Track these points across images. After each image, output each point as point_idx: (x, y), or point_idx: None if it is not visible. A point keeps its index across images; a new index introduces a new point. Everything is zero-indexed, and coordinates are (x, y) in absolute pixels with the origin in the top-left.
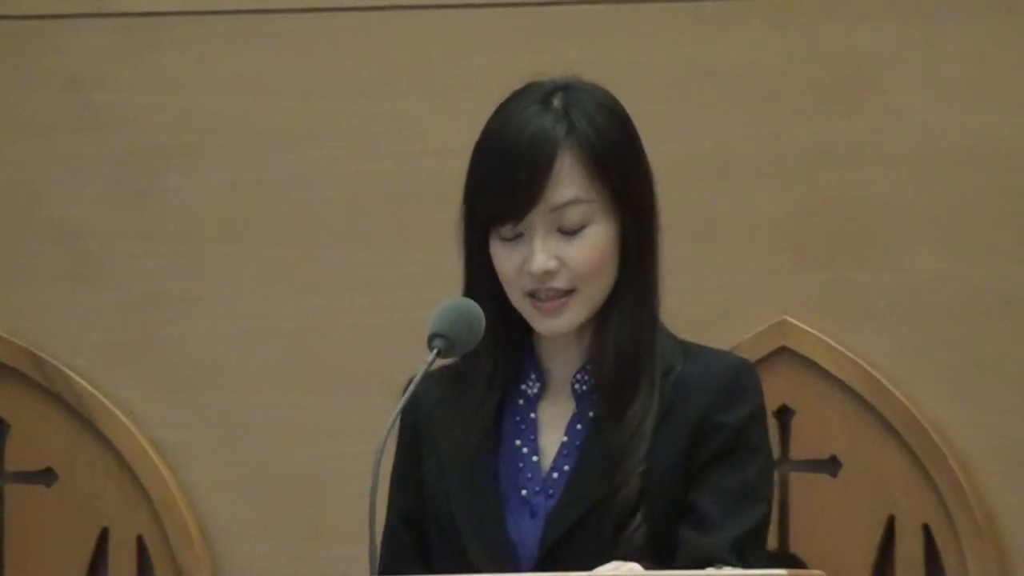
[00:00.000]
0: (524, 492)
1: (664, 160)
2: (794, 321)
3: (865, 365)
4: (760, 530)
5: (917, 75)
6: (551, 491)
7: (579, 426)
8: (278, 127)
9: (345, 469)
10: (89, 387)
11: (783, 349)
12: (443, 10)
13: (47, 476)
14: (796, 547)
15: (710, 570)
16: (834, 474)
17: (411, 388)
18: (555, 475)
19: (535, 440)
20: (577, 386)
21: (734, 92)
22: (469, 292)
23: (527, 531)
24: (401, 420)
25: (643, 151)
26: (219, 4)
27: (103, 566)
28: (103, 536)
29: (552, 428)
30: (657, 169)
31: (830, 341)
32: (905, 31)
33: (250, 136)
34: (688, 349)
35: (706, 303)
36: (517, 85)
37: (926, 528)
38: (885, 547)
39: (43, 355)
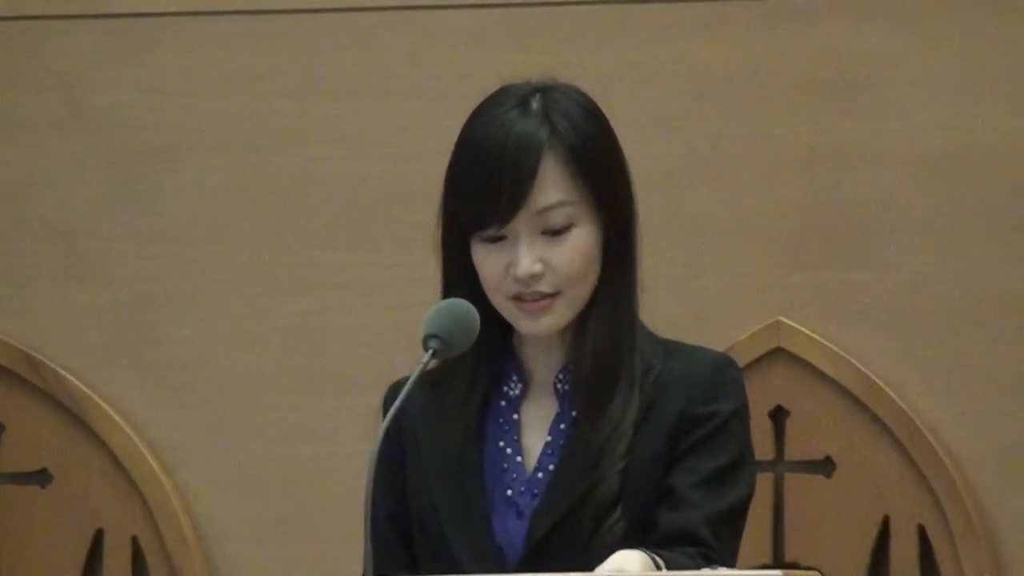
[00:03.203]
0: (509, 492)
1: (658, 160)
2: (789, 322)
3: (860, 366)
4: (736, 511)
5: (911, 76)
6: (536, 491)
7: (562, 426)
8: (272, 128)
9: (339, 470)
10: (84, 387)
11: (778, 350)
12: (438, 11)
13: (41, 477)
14: (791, 548)
15: (706, 570)
16: (828, 475)
17: (406, 389)
18: (540, 475)
19: (518, 441)
20: (559, 386)
21: (729, 93)
22: (448, 295)
23: (513, 531)
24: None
25: (622, 152)
26: (213, 5)
27: (98, 567)
28: (98, 537)
29: (535, 429)
30: (651, 169)
31: (825, 342)
32: (899, 32)
33: (244, 137)
34: (669, 347)
35: (701, 304)
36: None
37: (921, 529)
38: (880, 548)
39: (37, 355)
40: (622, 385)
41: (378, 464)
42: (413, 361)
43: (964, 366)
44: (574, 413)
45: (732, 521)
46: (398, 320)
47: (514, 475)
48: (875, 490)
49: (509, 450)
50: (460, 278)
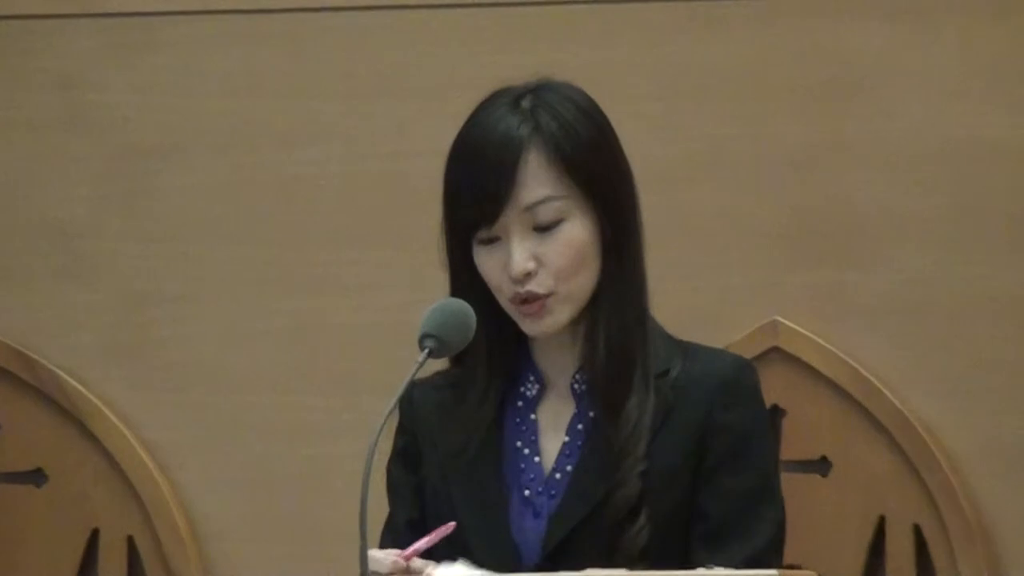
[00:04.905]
0: (527, 493)
1: (654, 160)
2: (785, 321)
3: (856, 365)
4: (777, 539)
5: (907, 75)
6: (553, 491)
7: (580, 426)
8: (269, 127)
9: (336, 469)
10: (79, 387)
11: (774, 349)
12: (433, 10)
13: (37, 477)
14: (787, 547)
15: (701, 570)
16: (825, 474)
17: (402, 389)
18: (557, 475)
19: (536, 441)
20: (576, 386)
21: (724, 92)
22: (456, 298)
23: (530, 531)
24: (399, 426)
25: (616, 145)
26: (210, 4)
27: (93, 567)
28: (93, 537)
29: (553, 429)
30: (647, 170)
31: (821, 341)
32: (895, 31)
33: (241, 136)
34: (687, 349)
35: (697, 304)
36: (508, 85)
37: (917, 528)
38: (876, 547)
39: (33, 355)
40: (637, 382)
41: (395, 468)
42: (411, 361)
43: (960, 366)
44: (591, 413)
45: (775, 549)
46: (397, 320)
47: (531, 475)
48: (871, 490)
49: (527, 450)
50: (468, 281)
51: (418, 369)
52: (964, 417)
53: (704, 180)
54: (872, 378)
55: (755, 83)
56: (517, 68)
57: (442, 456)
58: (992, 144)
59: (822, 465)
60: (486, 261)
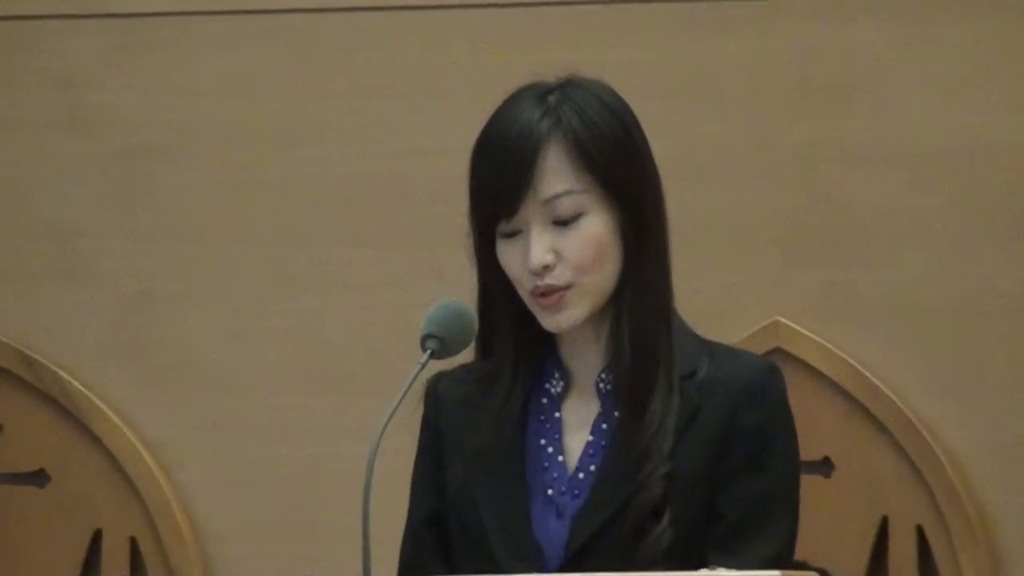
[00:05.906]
0: (550, 492)
1: (657, 160)
2: (787, 322)
3: (858, 366)
4: (789, 545)
5: (909, 75)
6: (577, 491)
7: (604, 426)
8: (270, 127)
9: (338, 469)
10: (81, 387)
11: (776, 350)
12: (436, 11)
13: (39, 477)
14: None
15: (704, 571)
16: (827, 475)
17: (404, 390)
18: (581, 475)
19: (560, 440)
20: (601, 385)
21: (727, 93)
22: (485, 295)
23: (553, 531)
24: (424, 420)
25: (641, 143)
26: (211, 5)
27: (96, 567)
28: (96, 537)
29: (577, 428)
30: None
31: (823, 342)
32: (896, 32)
33: (242, 136)
34: (713, 350)
35: (699, 304)
36: (510, 85)
37: (919, 529)
38: (878, 548)
39: (35, 355)
40: (661, 381)
41: (418, 461)
42: (412, 361)
43: (962, 366)
44: (616, 413)
45: (785, 557)
46: (398, 319)
47: (555, 474)
48: (873, 490)
49: (551, 449)
50: (495, 278)
51: (420, 370)
52: (966, 417)
53: (706, 180)
54: (874, 378)
55: (755, 83)
56: (518, 68)
57: (465, 452)
58: (992, 144)
59: (824, 466)
60: (507, 254)
